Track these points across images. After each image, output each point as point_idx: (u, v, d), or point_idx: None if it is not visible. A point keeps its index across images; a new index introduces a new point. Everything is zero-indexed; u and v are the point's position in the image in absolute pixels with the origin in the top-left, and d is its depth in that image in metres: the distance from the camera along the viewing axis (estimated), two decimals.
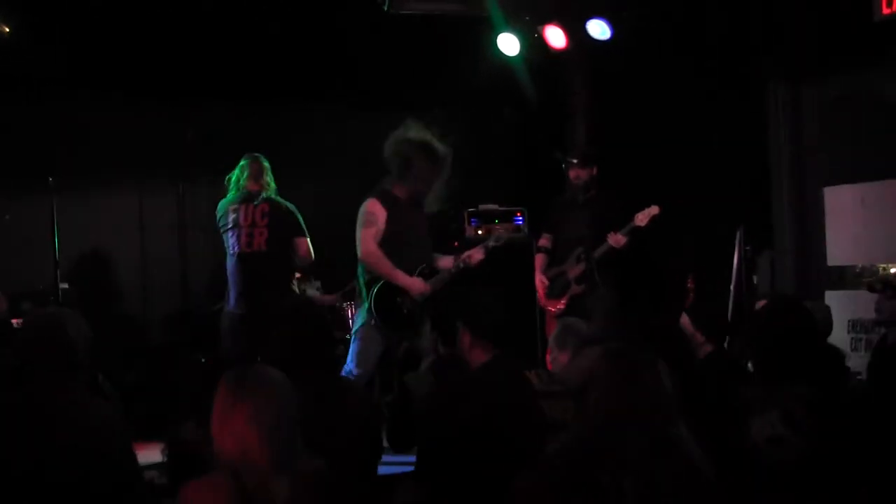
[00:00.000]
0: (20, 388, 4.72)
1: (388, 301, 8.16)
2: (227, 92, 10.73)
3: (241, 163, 9.06)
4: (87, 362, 4.87)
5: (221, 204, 9.07)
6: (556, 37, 10.30)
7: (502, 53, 10.41)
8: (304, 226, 9.06)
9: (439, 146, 8.42)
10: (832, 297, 9.16)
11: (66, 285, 9.43)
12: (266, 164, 9.07)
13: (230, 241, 8.95)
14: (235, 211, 8.94)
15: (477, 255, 8.43)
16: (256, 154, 9.12)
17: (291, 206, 9.09)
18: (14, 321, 8.99)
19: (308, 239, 9.07)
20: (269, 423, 3.72)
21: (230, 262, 8.97)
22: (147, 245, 10.88)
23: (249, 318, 8.82)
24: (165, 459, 6.17)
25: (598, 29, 10.09)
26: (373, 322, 8.16)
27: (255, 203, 8.94)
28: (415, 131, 8.44)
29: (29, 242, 10.05)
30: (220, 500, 3.66)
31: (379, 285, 8.15)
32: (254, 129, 10.92)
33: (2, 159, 10.27)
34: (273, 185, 9.08)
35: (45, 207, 9.27)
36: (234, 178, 9.04)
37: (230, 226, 8.94)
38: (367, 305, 8.20)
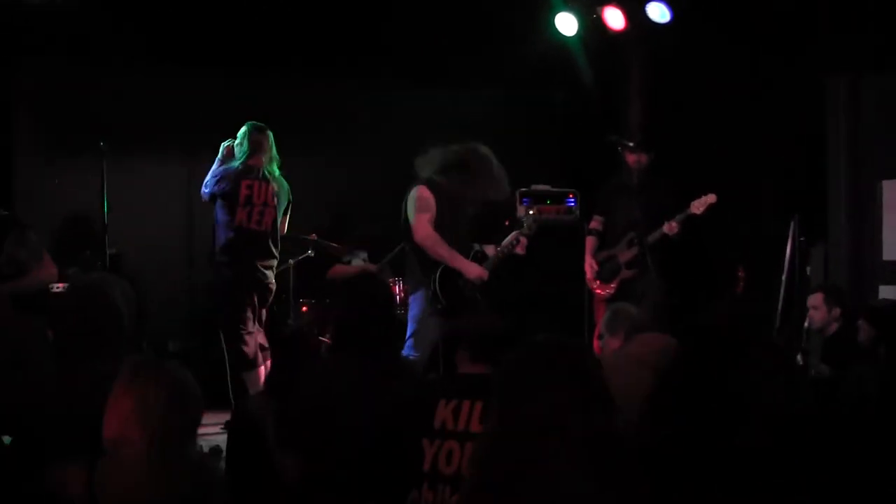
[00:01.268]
0: (65, 356, 4.70)
1: (451, 284, 8.12)
2: (272, 64, 10.73)
3: (248, 131, 9.14)
4: (132, 329, 4.83)
5: (225, 171, 9.13)
6: (614, 18, 10.21)
7: (559, 33, 10.33)
8: None
9: (499, 172, 8.37)
10: (886, 292, 9.06)
11: (113, 251, 9.42)
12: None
13: (238, 215, 9.05)
14: (249, 188, 9.06)
15: (520, 246, 8.33)
16: (262, 125, 9.19)
17: (287, 185, 9.36)
18: (59, 286, 9.01)
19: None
20: (154, 418, 3.59)
21: (232, 234, 9.09)
22: (194, 214, 10.86)
23: (246, 287, 9.13)
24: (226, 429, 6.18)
25: (658, 11, 9.97)
26: (438, 307, 8.11)
27: (268, 182, 9.12)
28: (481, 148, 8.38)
29: (78, 207, 10.07)
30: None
31: (440, 269, 8.10)
32: (299, 101, 10.91)
33: (54, 124, 10.31)
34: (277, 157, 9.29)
35: (95, 172, 9.25)
36: (245, 149, 9.12)
37: (241, 202, 9.04)
38: (429, 290, 8.15)
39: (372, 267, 10.26)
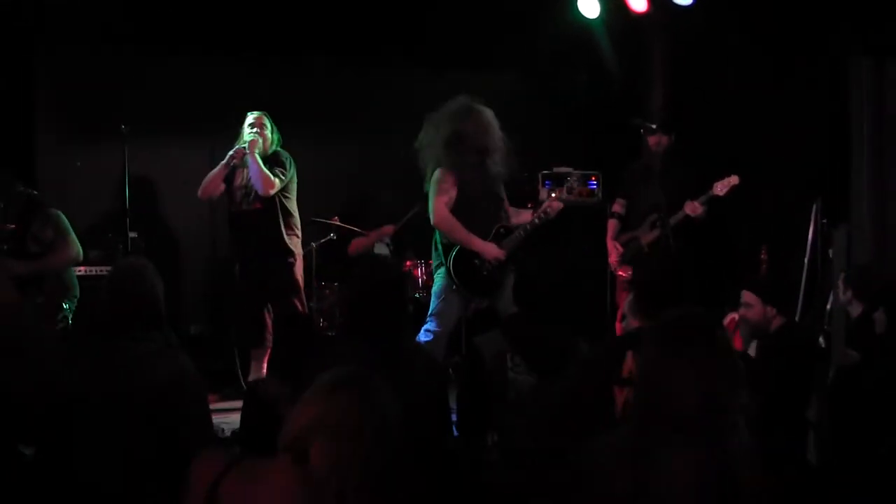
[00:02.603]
0: (102, 337, 4.74)
1: (467, 264, 8.17)
2: (296, 47, 10.75)
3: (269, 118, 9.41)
4: (165, 315, 4.90)
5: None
6: (636, 0, 10.17)
7: (582, 15, 10.31)
8: None
9: (478, 108, 8.49)
10: None
11: (134, 234, 9.44)
12: None
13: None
14: None
15: (555, 205, 8.37)
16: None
17: None
18: (80, 269, 9.02)
19: None
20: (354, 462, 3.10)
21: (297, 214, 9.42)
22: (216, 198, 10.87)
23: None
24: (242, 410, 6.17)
25: None
26: (453, 286, 8.15)
27: None
28: (450, 107, 8.56)
29: (99, 190, 10.08)
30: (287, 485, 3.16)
31: (456, 249, 8.16)
32: (321, 85, 10.91)
33: (76, 106, 10.33)
34: None
35: (117, 156, 9.26)
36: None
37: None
38: (445, 269, 8.20)
39: (392, 258, 10.33)
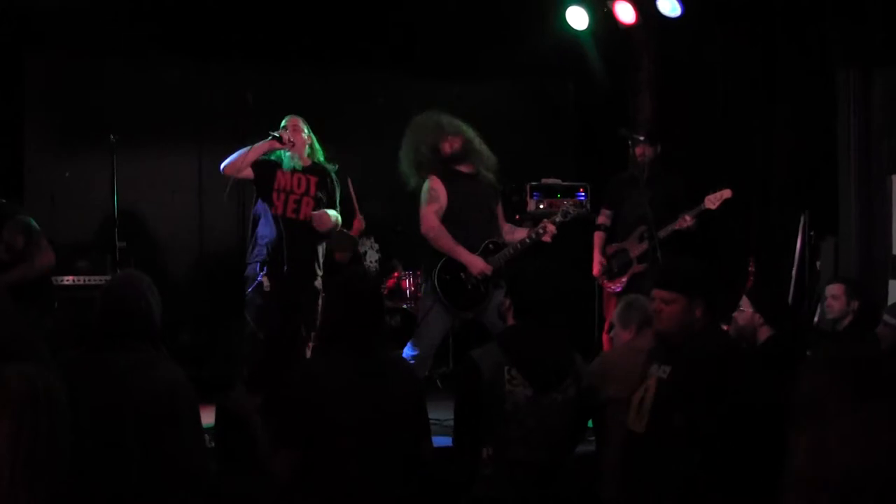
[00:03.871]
0: (97, 348, 4.74)
1: (453, 277, 8.06)
2: (285, 55, 10.74)
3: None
4: (159, 326, 4.90)
5: None
6: (625, 12, 10.19)
7: (570, 27, 10.32)
8: None
9: (442, 119, 8.43)
10: None
11: (123, 244, 9.40)
12: None
13: None
14: None
15: (550, 228, 8.16)
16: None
17: None
18: (68, 279, 8.99)
19: None
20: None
21: None
22: (205, 207, 10.86)
23: None
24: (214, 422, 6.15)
25: (669, 5, 9.94)
26: (438, 299, 8.07)
27: None
28: (413, 129, 8.50)
29: (88, 200, 10.06)
30: None
31: (442, 261, 8.04)
32: (311, 93, 10.88)
33: (64, 116, 10.31)
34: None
35: (105, 165, 9.24)
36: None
37: None
38: (430, 281, 8.11)
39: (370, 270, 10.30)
